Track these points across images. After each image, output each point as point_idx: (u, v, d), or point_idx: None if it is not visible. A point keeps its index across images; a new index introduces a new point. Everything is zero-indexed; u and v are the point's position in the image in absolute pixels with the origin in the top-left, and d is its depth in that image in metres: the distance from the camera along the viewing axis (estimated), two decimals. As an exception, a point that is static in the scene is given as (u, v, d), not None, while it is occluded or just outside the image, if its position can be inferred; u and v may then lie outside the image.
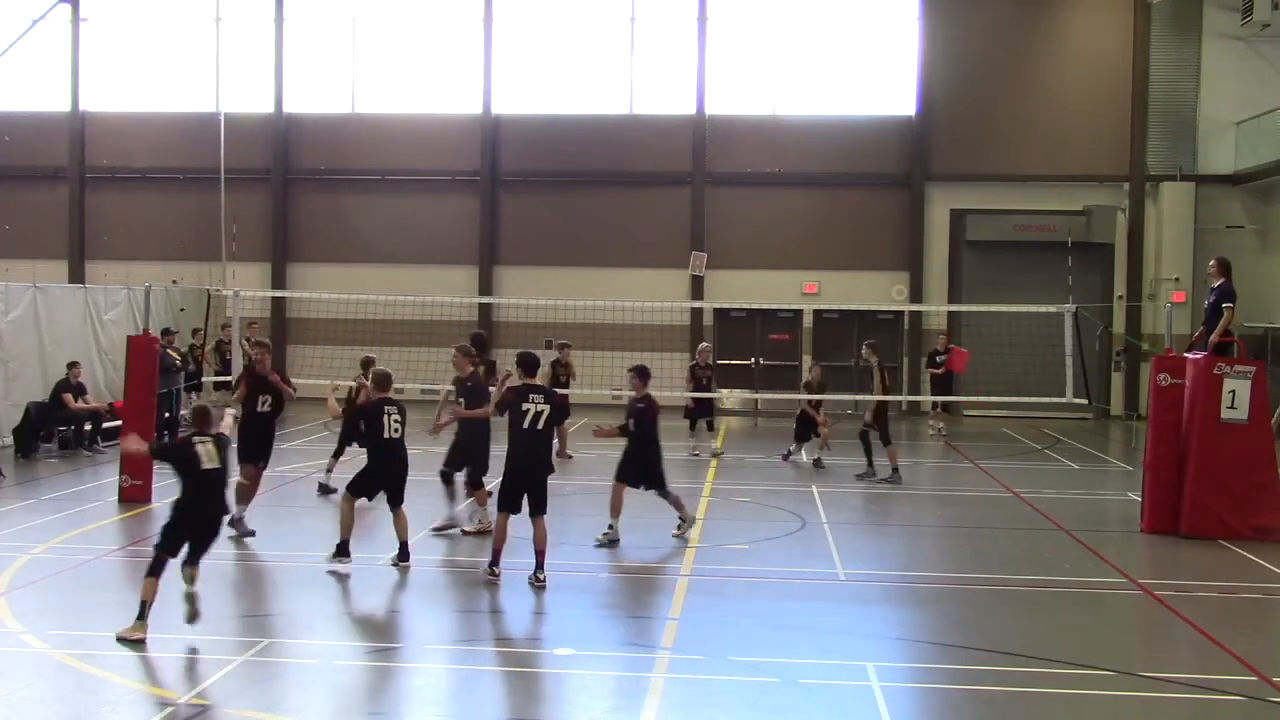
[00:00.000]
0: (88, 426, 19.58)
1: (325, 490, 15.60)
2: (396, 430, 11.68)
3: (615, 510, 13.22)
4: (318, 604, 11.05)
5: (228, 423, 10.53)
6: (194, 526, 9.56)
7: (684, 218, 29.08)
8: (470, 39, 29.68)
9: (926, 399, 25.98)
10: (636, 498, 16.05)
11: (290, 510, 14.77)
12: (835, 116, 28.86)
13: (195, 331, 23.83)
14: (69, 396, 19.70)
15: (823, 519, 14.98)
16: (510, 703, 8.39)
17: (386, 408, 11.69)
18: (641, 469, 13.30)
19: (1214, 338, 14.32)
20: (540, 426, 11.16)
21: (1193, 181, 27.93)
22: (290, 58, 30.11)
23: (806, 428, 19.66)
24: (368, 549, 12.71)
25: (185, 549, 9.56)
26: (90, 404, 19.91)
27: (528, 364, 11.57)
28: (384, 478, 11.82)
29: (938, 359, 23.70)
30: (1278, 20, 26.41)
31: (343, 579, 11.61)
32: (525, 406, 11.10)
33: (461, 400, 13.54)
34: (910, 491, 18.34)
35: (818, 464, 19.18)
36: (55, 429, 19.59)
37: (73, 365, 20.14)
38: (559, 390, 15.37)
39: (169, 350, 21.99)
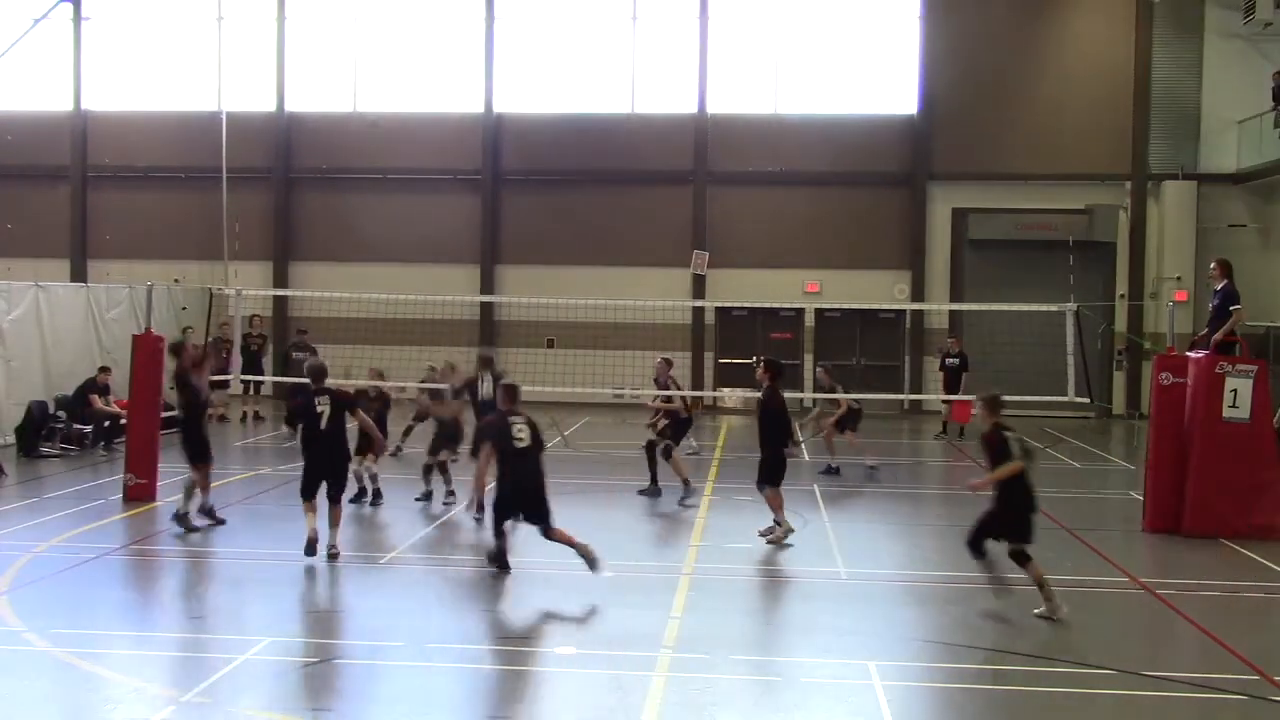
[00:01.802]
0: (106, 425, 19.67)
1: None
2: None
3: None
4: (319, 603, 11.08)
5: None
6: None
7: (685, 216, 29.07)
8: (472, 37, 29.68)
9: (930, 398, 26.01)
10: (643, 496, 16.09)
11: (293, 509, 14.75)
12: (837, 115, 28.85)
13: (185, 330, 23.82)
14: (95, 397, 19.85)
15: (824, 517, 14.99)
16: (512, 702, 8.39)
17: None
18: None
19: (1219, 336, 14.33)
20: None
21: (1194, 180, 27.90)
22: (292, 56, 30.12)
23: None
24: (367, 548, 12.73)
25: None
26: (114, 406, 19.96)
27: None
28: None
29: (947, 360, 23.70)
30: (1279, 19, 26.40)
31: (343, 578, 11.64)
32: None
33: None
34: (912, 490, 18.35)
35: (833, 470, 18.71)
36: (73, 426, 19.68)
37: (104, 369, 20.38)
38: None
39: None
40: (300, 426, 12.38)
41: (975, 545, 10.57)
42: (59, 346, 20.88)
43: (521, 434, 11.11)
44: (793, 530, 13.43)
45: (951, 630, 10.27)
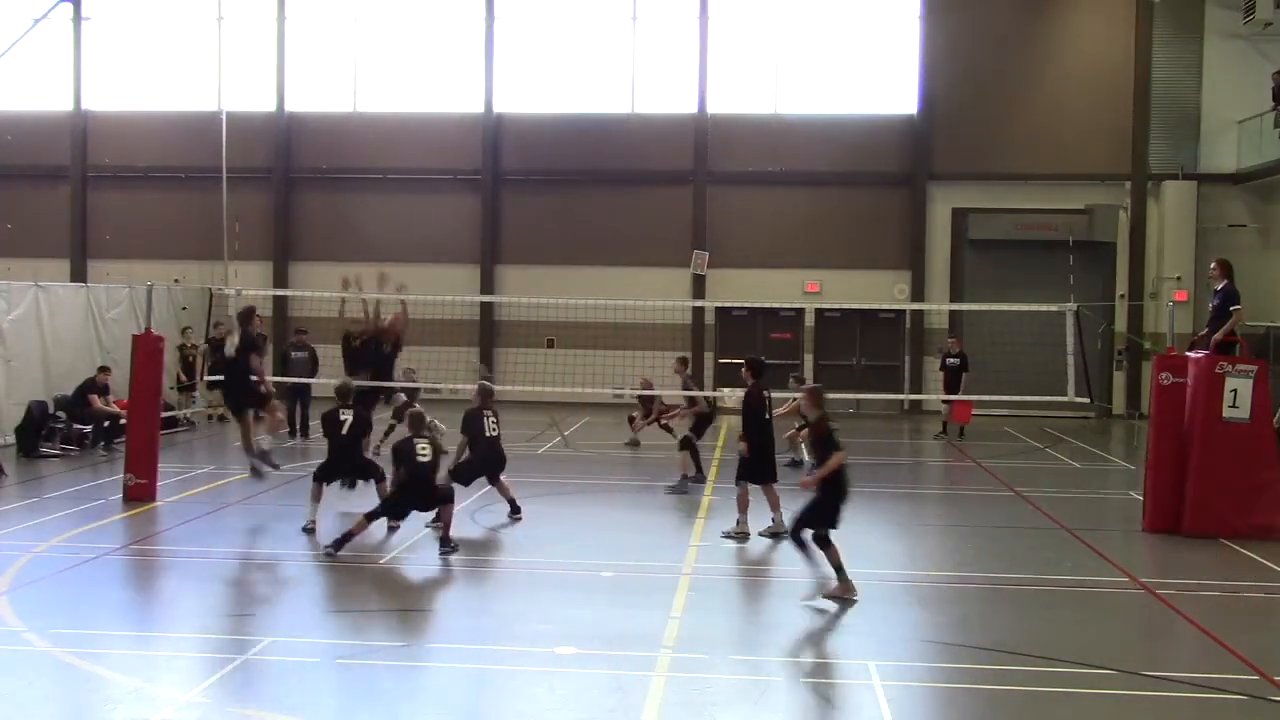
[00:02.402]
0: (105, 425, 19.65)
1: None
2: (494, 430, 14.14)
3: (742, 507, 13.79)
4: (319, 602, 11.08)
5: None
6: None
7: (686, 216, 29.07)
8: (472, 37, 29.68)
9: (930, 398, 26.01)
10: (643, 496, 16.10)
11: (293, 509, 14.76)
12: (837, 115, 28.85)
13: (185, 330, 23.83)
14: (95, 397, 19.83)
15: (824, 518, 14.95)
16: (512, 701, 8.39)
17: (485, 412, 14.14)
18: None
19: (1219, 336, 14.33)
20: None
21: (1194, 180, 27.91)
22: (292, 56, 30.13)
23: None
24: (367, 548, 12.72)
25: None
26: (113, 405, 19.94)
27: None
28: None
29: (947, 360, 23.70)
30: (1279, 19, 26.40)
31: (343, 578, 11.66)
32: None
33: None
34: (912, 490, 18.36)
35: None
36: (73, 426, 19.64)
37: (104, 369, 20.34)
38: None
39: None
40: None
41: (795, 535, 10.99)
42: (59, 346, 20.87)
43: (424, 452, 12.68)
44: (748, 535, 13.52)
45: (951, 630, 10.27)
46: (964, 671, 9.16)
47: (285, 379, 21.52)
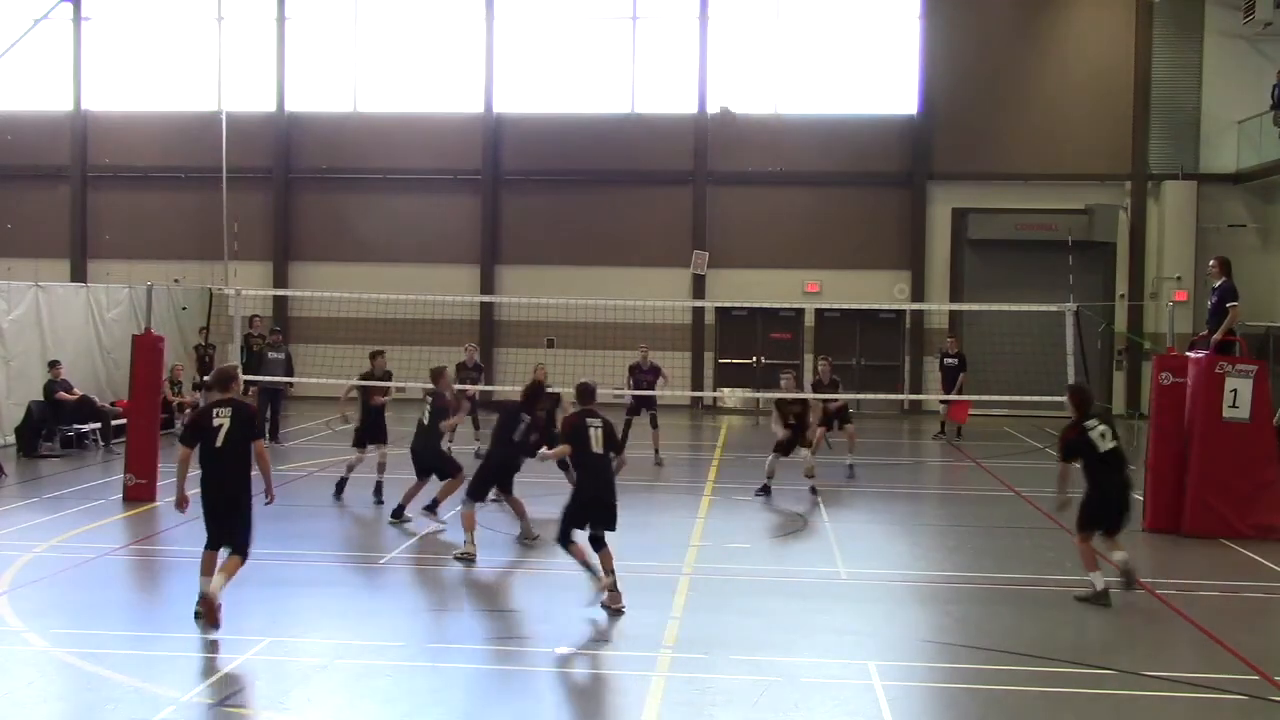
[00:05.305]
0: (97, 425, 19.58)
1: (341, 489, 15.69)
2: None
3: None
4: (319, 603, 11.07)
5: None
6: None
7: (685, 216, 29.08)
8: (472, 38, 29.69)
9: (929, 398, 26.01)
10: (643, 496, 16.09)
11: (292, 509, 14.77)
12: (837, 115, 28.85)
13: (202, 330, 23.79)
14: (63, 394, 19.75)
15: (824, 517, 14.99)
16: (511, 702, 8.39)
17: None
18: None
19: (1218, 336, 14.33)
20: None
21: (1194, 180, 27.91)
22: (292, 57, 30.13)
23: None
24: (366, 548, 12.73)
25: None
26: (77, 394, 19.81)
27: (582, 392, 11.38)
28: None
29: (945, 360, 23.70)
30: (1279, 19, 26.40)
31: (342, 578, 11.66)
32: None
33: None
34: (911, 490, 18.35)
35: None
36: (58, 429, 19.56)
37: (54, 364, 20.01)
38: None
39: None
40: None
41: (564, 538, 10.56)
42: (59, 346, 20.87)
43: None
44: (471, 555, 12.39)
45: (951, 630, 10.27)
46: (964, 671, 9.17)
47: (259, 378, 21.03)
